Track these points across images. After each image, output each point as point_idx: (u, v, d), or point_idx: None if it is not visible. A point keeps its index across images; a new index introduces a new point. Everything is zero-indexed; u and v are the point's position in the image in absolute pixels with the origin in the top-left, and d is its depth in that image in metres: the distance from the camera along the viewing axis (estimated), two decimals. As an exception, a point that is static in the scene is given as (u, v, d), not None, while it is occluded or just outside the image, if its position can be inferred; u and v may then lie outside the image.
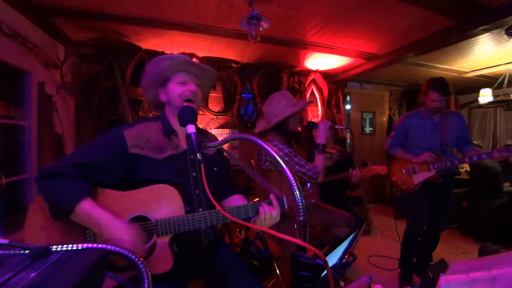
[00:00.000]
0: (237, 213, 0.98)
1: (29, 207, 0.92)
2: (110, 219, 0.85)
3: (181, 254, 1.00)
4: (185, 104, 1.03)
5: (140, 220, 0.95)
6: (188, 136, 0.90)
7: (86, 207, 0.85)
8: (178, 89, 1.07)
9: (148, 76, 1.10)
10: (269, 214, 0.97)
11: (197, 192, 1.07)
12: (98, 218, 0.84)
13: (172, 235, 0.95)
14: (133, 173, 0.99)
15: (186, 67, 1.09)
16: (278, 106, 1.70)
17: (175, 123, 1.08)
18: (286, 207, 1.02)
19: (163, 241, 0.94)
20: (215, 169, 1.16)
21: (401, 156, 2.16)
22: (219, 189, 1.20)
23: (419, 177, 2.02)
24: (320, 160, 1.65)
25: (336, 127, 1.81)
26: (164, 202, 0.95)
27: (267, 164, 1.71)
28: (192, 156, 1.08)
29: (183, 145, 1.09)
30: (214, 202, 0.79)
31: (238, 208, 0.98)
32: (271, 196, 1.00)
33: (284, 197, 1.02)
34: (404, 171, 2.10)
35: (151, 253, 0.93)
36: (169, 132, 1.07)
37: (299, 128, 1.88)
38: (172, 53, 1.16)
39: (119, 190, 0.96)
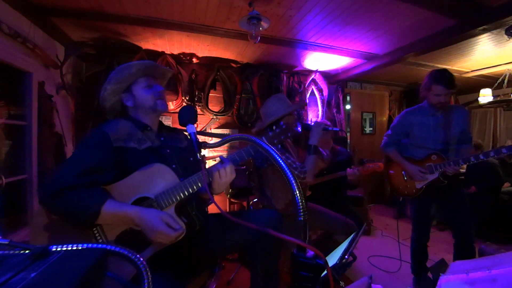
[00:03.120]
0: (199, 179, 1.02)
1: (36, 207, 0.95)
2: (139, 211, 0.91)
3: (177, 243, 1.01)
4: (158, 101, 1.16)
5: (141, 201, 0.98)
6: (189, 135, 0.94)
7: (111, 207, 0.90)
8: (148, 92, 1.16)
9: (110, 83, 1.15)
10: (222, 170, 1.04)
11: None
12: (126, 214, 0.91)
13: (175, 203, 1.00)
14: (121, 165, 1.02)
15: (150, 72, 1.19)
16: (272, 108, 1.76)
17: (147, 120, 1.18)
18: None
19: (170, 211, 0.99)
20: (191, 159, 1.23)
21: (394, 159, 2.00)
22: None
23: (421, 181, 1.86)
24: (310, 161, 1.67)
25: (329, 129, 1.81)
26: (157, 178, 1.01)
27: (259, 161, 1.77)
28: (168, 150, 1.15)
29: (158, 140, 1.17)
30: (211, 197, 0.83)
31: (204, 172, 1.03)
32: (220, 156, 1.07)
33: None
34: (404, 174, 1.96)
35: None
36: (142, 127, 1.14)
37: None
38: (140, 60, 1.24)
39: (112, 183, 0.99)
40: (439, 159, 1.82)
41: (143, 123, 1.16)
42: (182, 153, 1.21)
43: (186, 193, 1.00)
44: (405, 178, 1.96)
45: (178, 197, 0.99)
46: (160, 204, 0.98)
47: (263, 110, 1.83)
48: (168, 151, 1.15)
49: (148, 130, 1.15)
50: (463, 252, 1.85)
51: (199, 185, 1.02)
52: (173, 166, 1.11)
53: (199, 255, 1.19)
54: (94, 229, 0.93)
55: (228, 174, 1.06)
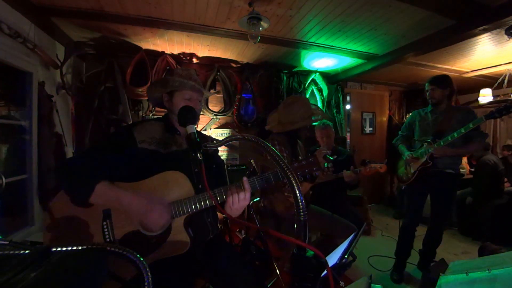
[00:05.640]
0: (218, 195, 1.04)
1: (36, 207, 0.97)
2: (130, 197, 0.93)
3: (190, 247, 1.02)
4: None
5: None
6: (188, 135, 0.93)
7: (104, 187, 0.93)
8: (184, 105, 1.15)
9: (160, 82, 1.22)
10: (236, 196, 1.01)
11: (200, 186, 1.13)
12: (117, 197, 0.93)
13: (186, 215, 1.01)
14: (143, 166, 1.05)
15: (194, 89, 1.21)
16: (297, 114, 1.75)
17: (177, 125, 1.18)
18: (272, 181, 1.08)
19: (178, 222, 1.00)
20: (214, 166, 1.24)
21: (399, 150, 2.32)
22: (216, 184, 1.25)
23: (415, 165, 2.13)
24: (304, 185, 1.77)
25: (328, 155, 1.80)
26: (174, 187, 1.02)
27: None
28: (194, 154, 1.12)
29: (185, 143, 1.17)
30: (213, 198, 0.87)
31: (219, 190, 1.05)
32: (244, 178, 1.06)
33: (270, 173, 1.08)
34: (404, 161, 2.25)
35: (168, 235, 0.98)
36: (172, 131, 1.17)
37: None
38: (187, 68, 1.32)
39: (131, 181, 1.02)
40: (429, 145, 2.05)
41: (174, 128, 1.20)
42: (207, 158, 1.21)
43: (198, 207, 1.01)
44: (406, 167, 2.23)
45: (190, 210, 1.00)
46: (171, 213, 0.99)
47: (285, 112, 1.79)
48: (193, 154, 1.16)
49: (177, 134, 1.19)
50: (429, 237, 2.19)
51: (213, 203, 1.02)
52: (195, 170, 1.14)
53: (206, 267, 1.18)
54: (104, 223, 0.95)
55: (241, 201, 1.04)
